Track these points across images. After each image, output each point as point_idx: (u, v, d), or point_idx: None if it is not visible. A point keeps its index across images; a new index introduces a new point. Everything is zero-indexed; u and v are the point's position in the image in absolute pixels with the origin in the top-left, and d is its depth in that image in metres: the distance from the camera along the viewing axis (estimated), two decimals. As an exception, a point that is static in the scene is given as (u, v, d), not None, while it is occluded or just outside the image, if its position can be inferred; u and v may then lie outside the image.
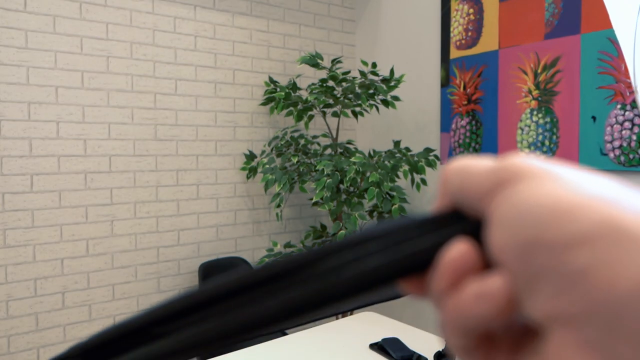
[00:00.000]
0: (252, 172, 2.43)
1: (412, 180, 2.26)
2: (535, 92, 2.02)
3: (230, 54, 2.47)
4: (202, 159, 2.39)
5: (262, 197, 2.60)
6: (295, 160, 2.24)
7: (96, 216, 2.12)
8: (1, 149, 1.92)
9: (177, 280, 2.34)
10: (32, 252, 1.98)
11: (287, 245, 2.28)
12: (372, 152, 2.57)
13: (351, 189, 2.30)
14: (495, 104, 2.17)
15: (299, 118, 2.37)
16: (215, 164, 2.43)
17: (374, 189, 2.03)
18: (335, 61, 2.28)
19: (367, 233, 0.18)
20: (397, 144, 2.26)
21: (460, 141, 2.32)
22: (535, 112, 2.02)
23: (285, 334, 2.29)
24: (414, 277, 0.18)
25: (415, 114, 2.58)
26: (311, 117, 2.44)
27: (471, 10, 2.25)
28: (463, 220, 0.18)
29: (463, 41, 2.30)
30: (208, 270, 2.30)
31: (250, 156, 2.45)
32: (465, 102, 2.30)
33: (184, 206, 2.34)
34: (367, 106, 2.26)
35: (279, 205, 2.18)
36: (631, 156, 1.73)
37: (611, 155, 1.78)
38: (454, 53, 2.34)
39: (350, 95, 2.28)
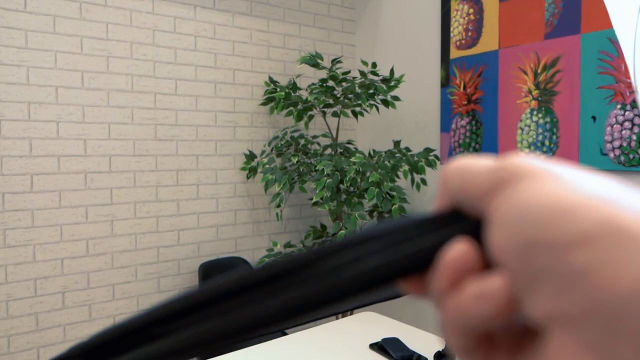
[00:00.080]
0: (252, 172, 2.43)
1: (412, 180, 2.26)
2: (535, 92, 2.02)
3: (230, 54, 2.47)
4: (202, 159, 2.39)
5: (262, 197, 2.60)
6: (295, 160, 2.24)
7: (96, 216, 2.12)
8: (1, 149, 1.92)
9: (177, 280, 2.34)
10: (32, 252, 1.98)
11: (287, 245, 2.28)
12: (372, 152, 2.57)
13: (351, 189, 2.30)
14: (495, 104, 2.17)
15: (299, 118, 2.37)
16: (215, 164, 2.43)
17: (374, 189, 2.03)
18: (335, 61, 2.28)
19: (367, 233, 0.18)
20: (397, 144, 2.26)
21: (460, 141, 2.32)
22: (535, 112, 2.02)
23: (285, 334, 2.29)
24: (414, 277, 0.18)
25: (415, 114, 2.58)
26: (311, 117, 2.44)
27: (471, 10, 2.25)
28: (463, 220, 0.18)
29: (463, 41, 2.30)
30: (208, 270, 2.30)
31: (250, 156, 2.45)
32: (465, 102, 2.30)
33: (184, 206, 2.34)
34: (367, 106, 2.26)
35: (279, 205, 2.18)
36: (631, 156, 1.73)
37: (611, 155, 1.78)
38: (454, 53, 2.34)
39: (350, 95, 2.28)
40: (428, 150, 2.20)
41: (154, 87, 2.25)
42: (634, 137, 1.72)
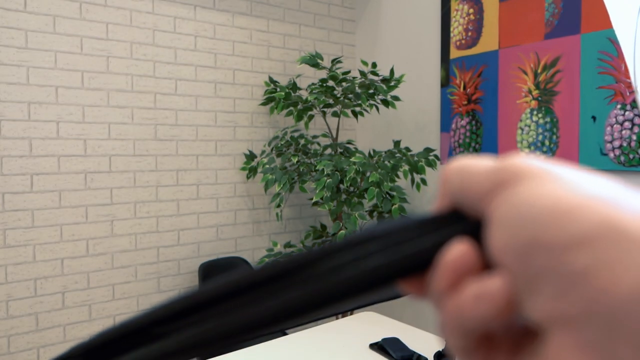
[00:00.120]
0: (252, 172, 2.43)
1: (412, 180, 2.26)
2: (535, 92, 2.02)
3: (230, 54, 2.47)
4: (202, 159, 2.39)
5: (262, 197, 2.60)
6: (295, 160, 2.24)
7: (96, 216, 2.12)
8: (1, 149, 1.92)
9: (177, 280, 2.34)
10: (32, 252, 1.98)
11: (287, 245, 2.28)
12: (372, 152, 2.57)
13: (351, 189, 2.30)
14: (495, 104, 2.17)
15: (299, 118, 2.37)
16: (215, 164, 2.43)
17: (374, 189, 2.03)
18: (335, 61, 2.28)
19: (367, 233, 0.18)
20: (397, 144, 2.26)
21: (460, 141, 2.32)
22: (535, 112, 2.02)
23: (285, 334, 2.29)
24: (414, 278, 0.18)
25: (415, 114, 2.58)
26: (311, 117, 2.44)
27: (471, 10, 2.25)
28: (463, 221, 0.18)
29: (463, 41, 2.30)
30: (208, 270, 2.30)
31: (250, 156, 2.45)
32: (465, 102, 2.30)
33: (184, 206, 2.34)
34: (367, 106, 2.26)
35: (279, 205, 2.18)
36: (631, 156, 1.73)
37: (611, 155, 1.78)
38: (454, 53, 2.34)
39: (350, 95, 2.28)
40: (428, 150, 2.20)
41: (154, 87, 2.25)
42: (634, 137, 1.72)
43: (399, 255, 0.18)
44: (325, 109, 2.52)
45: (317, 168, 2.08)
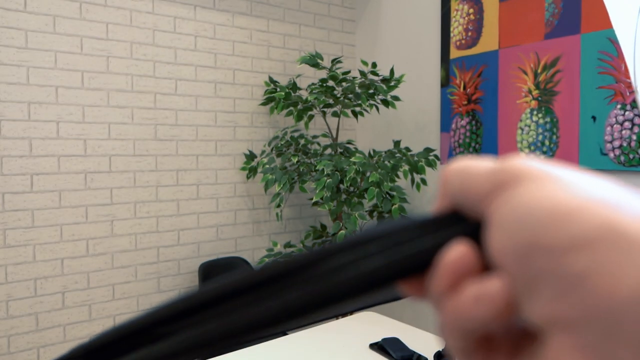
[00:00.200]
0: (252, 172, 2.43)
1: (412, 180, 2.26)
2: (535, 92, 2.02)
3: (230, 54, 2.47)
4: (202, 159, 2.39)
5: (262, 197, 2.60)
6: (295, 160, 2.24)
7: (96, 216, 2.12)
8: (1, 149, 1.92)
9: (177, 280, 2.34)
10: (32, 252, 1.98)
11: (287, 245, 2.28)
12: (372, 152, 2.57)
13: (351, 189, 2.30)
14: (495, 104, 2.17)
15: (299, 118, 2.37)
16: (215, 164, 2.44)
17: (374, 189, 2.03)
18: (335, 61, 2.28)
19: (366, 234, 0.18)
20: (397, 144, 2.26)
21: (460, 141, 2.32)
22: (535, 112, 2.02)
23: (286, 334, 2.29)
24: (414, 279, 0.18)
25: (415, 114, 2.58)
26: (311, 117, 2.44)
27: (471, 10, 2.25)
28: (463, 222, 0.18)
29: (463, 41, 2.30)
30: (208, 270, 2.30)
31: (250, 156, 2.45)
32: (465, 102, 2.30)
33: (184, 206, 2.34)
34: (367, 106, 2.26)
35: (279, 205, 2.18)
36: (631, 156, 1.73)
37: (611, 155, 1.78)
38: (454, 53, 2.34)
39: (350, 95, 2.28)
40: (428, 150, 2.20)
41: (154, 87, 2.25)
42: (634, 137, 1.72)
43: (398, 256, 0.18)
44: (325, 109, 2.52)
45: (317, 168, 2.08)
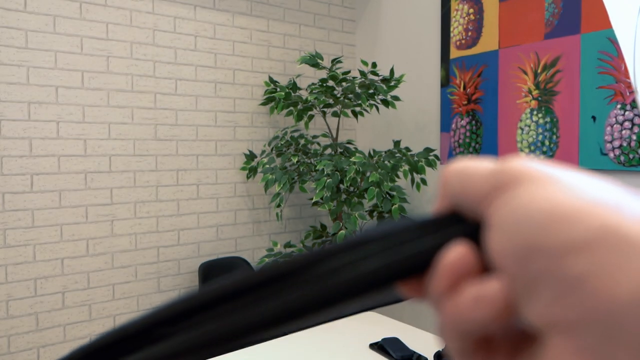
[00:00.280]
0: (252, 172, 2.43)
1: (412, 180, 2.26)
2: (535, 92, 2.02)
3: (230, 54, 2.47)
4: (202, 159, 2.39)
5: (262, 197, 2.60)
6: (295, 160, 2.24)
7: (96, 216, 2.12)
8: (1, 149, 1.92)
9: (177, 280, 2.34)
10: (32, 252, 1.98)
11: (287, 245, 2.28)
12: (372, 152, 2.57)
13: (351, 188, 2.30)
14: (495, 104, 2.17)
15: (299, 118, 2.37)
16: (215, 164, 2.44)
17: (374, 189, 2.03)
18: (335, 61, 2.28)
19: (366, 235, 0.18)
20: (397, 144, 2.26)
21: (460, 141, 2.32)
22: (535, 112, 2.02)
23: (285, 333, 2.29)
24: (413, 279, 0.18)
25: (415, 114, 2.58)
26: (311, 117, 2.44)
27: (471, 10, 2.25)
28: (462, 223, 0.18)
29: (463, 41, 2.30)
30: (208, 270, 2.30)
31: (250, 156, 2.45)
32: (465, 102, 2.30)
33: (184, 206, 2.34)
34: (367, 106, 2.26)
35: (279, 205, 2.18)
36: (631, 156, 1.73)
37: (611, 155, 1.78)
38: (454, 53, 2.34)
39: (350, 95, 2.28)
40: (428, 150, 2.20)
41: (154, 87, 2.25)
42: (634, 137, 1.72)
43: (398, 257, 0.18)
44: (325, 109, 2.52)
45: (317, 168, 2.08)
